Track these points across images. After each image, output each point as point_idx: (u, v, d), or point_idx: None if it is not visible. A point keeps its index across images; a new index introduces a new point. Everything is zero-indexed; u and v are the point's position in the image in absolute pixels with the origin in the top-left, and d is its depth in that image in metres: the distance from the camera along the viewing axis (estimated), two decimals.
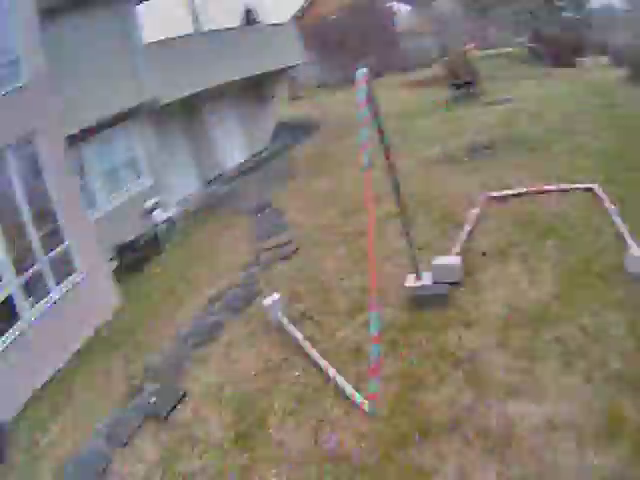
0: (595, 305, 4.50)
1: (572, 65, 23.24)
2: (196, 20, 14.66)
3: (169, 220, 10.93)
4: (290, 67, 19.03)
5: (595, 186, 6.87)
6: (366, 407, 4.06)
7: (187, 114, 13.81)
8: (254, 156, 16.50)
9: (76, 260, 7.61)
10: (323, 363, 4.76)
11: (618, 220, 5.78)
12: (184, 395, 5.13)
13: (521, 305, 4.81)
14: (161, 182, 11.72)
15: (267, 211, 10.64)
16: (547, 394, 3.67)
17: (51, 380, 6.47)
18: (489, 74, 18.87)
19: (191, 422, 4.69)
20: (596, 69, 21.75)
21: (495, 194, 7.55)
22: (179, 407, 4.98)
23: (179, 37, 13.28)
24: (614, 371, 3.70)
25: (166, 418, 4.89)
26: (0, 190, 6.68)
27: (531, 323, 4.50)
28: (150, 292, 8.30)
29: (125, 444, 4.73)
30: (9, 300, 6.25)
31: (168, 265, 9.33)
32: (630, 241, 5.17)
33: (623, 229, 5.52)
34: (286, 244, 8.32)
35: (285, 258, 7.78)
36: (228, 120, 15.99)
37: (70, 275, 7.43)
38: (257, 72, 15.76)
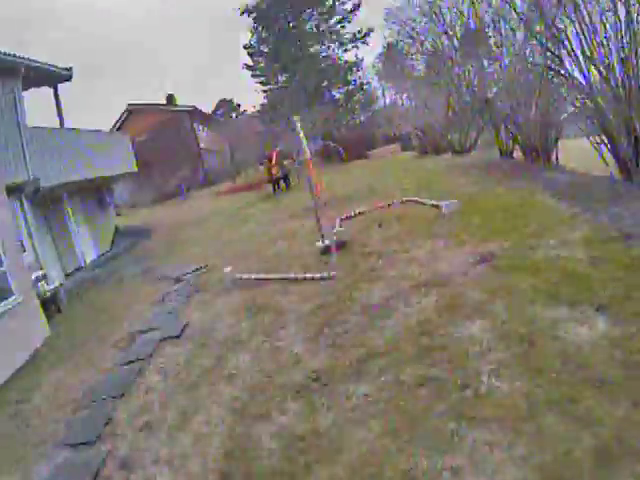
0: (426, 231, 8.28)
1: (365, 157, 30.23)
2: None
3: (57, 289, 11.99)
4: (126, 174, 21.49)
5: (411, 197, 11.12)
6: (330, 274, 7.02)
7: (52, 204, 15.08)
8: (102, 255, 17.66)
9: (12, 285, 8.79)
10: (288, 275, 7.57)
11: (428, 201, 9.95)
12: (187, 324, 7.26)
13: (387, 235, 8.40)
14: (41, 259, 12.81)
15: (150, 272, 12.69)
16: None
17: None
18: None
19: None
20: (391, 154, 28.94)
21: (344, 216, 11.30)
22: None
23: (59, 128, 15.47)
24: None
25: (179, 337, 6.96)
26: None
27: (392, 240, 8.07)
28: (73, 326, 9.64)
29: (150, 355, 6.63)
30: None
31: (82, 312, 10.61)
32: (439, 203, 9.22)
33: (433, 202, 9.63)
34: (198, 268, 10.74)
35: (208, 270, 10.24)
36: (80, 219, 17.12)
37: (7, 298, 8.59)
38: (108, 174, 18.01)
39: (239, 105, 63.67)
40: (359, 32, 40.31)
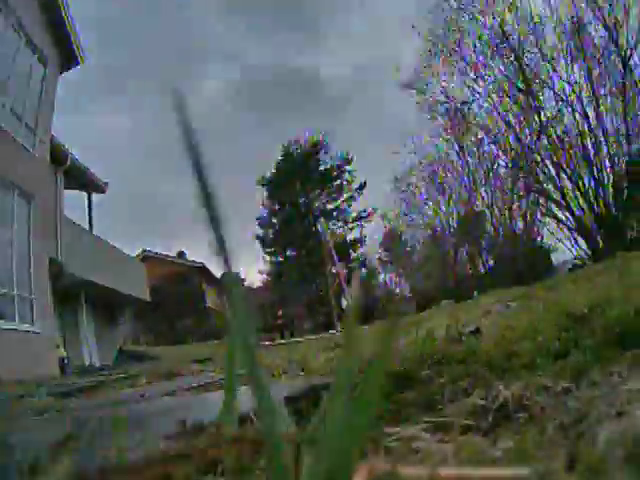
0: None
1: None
2: None
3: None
4: (137, 300, 22.54)
5: None
6: None
7: (67, 301, 15.84)
8: (106, 366, 17.29)
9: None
10: None
11: None
12: None
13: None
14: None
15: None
16: None
17: None
18: None
19: None
20: None
21: None
22: None
23: (88, 231, 17.72)
24: None
25: None
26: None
27: None
28: None
29: None
30: None
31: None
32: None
33: None
34: None
35: None
36: (90, 327, 17.79)
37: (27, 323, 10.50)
38: (123, 290, 18.99)
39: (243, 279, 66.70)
40: (364, 211, 44.71)
